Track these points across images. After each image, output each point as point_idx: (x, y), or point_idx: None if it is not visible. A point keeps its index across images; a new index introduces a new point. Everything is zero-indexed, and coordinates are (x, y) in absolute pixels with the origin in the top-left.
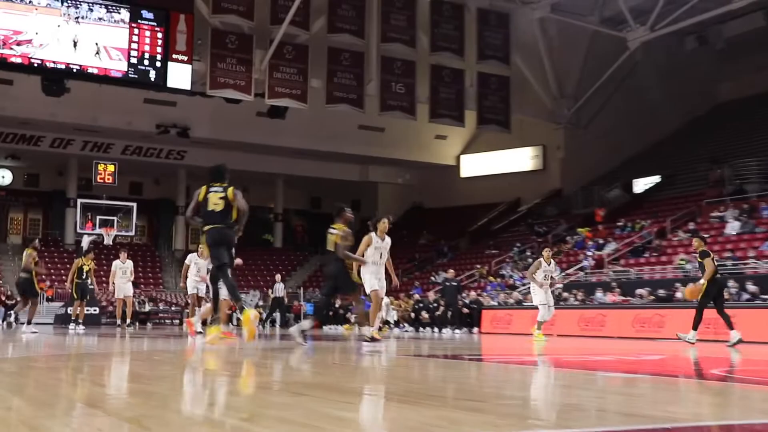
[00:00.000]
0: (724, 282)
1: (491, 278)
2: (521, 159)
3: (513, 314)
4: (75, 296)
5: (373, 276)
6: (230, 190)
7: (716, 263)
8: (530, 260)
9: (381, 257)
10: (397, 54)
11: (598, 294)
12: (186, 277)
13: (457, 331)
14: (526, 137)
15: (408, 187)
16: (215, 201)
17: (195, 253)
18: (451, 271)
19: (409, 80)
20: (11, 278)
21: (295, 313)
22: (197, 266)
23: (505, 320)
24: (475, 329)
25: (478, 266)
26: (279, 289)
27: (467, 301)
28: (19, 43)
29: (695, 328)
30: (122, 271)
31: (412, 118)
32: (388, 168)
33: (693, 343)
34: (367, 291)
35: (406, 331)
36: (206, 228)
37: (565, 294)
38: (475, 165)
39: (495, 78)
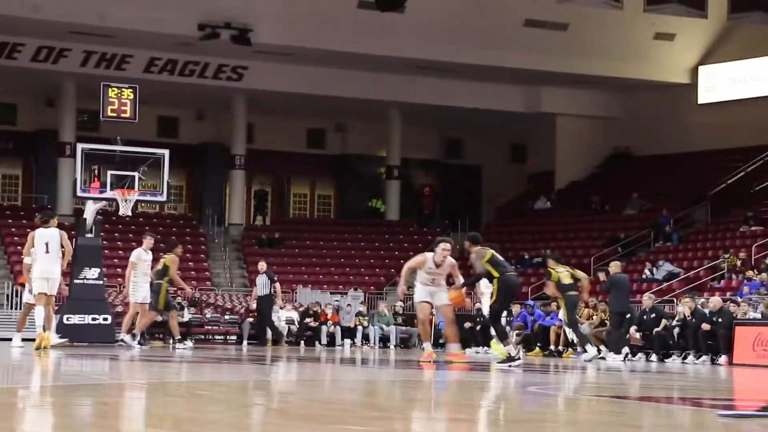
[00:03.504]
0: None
1: (750, 273)
2: None
3: None
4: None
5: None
6: None
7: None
8: None
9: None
10: None
11: None
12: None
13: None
14: None
15: (607, 122)
16: None
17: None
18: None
19: None
20: None
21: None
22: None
23: None
24: (723, 358)
25: (726, 255)
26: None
27: (706, 311)
28: None
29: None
30: (146, 264)
31: (616, 5)
32: (574, 91)
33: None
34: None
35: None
36: None
37: None
38: (723, 83)
39: None
